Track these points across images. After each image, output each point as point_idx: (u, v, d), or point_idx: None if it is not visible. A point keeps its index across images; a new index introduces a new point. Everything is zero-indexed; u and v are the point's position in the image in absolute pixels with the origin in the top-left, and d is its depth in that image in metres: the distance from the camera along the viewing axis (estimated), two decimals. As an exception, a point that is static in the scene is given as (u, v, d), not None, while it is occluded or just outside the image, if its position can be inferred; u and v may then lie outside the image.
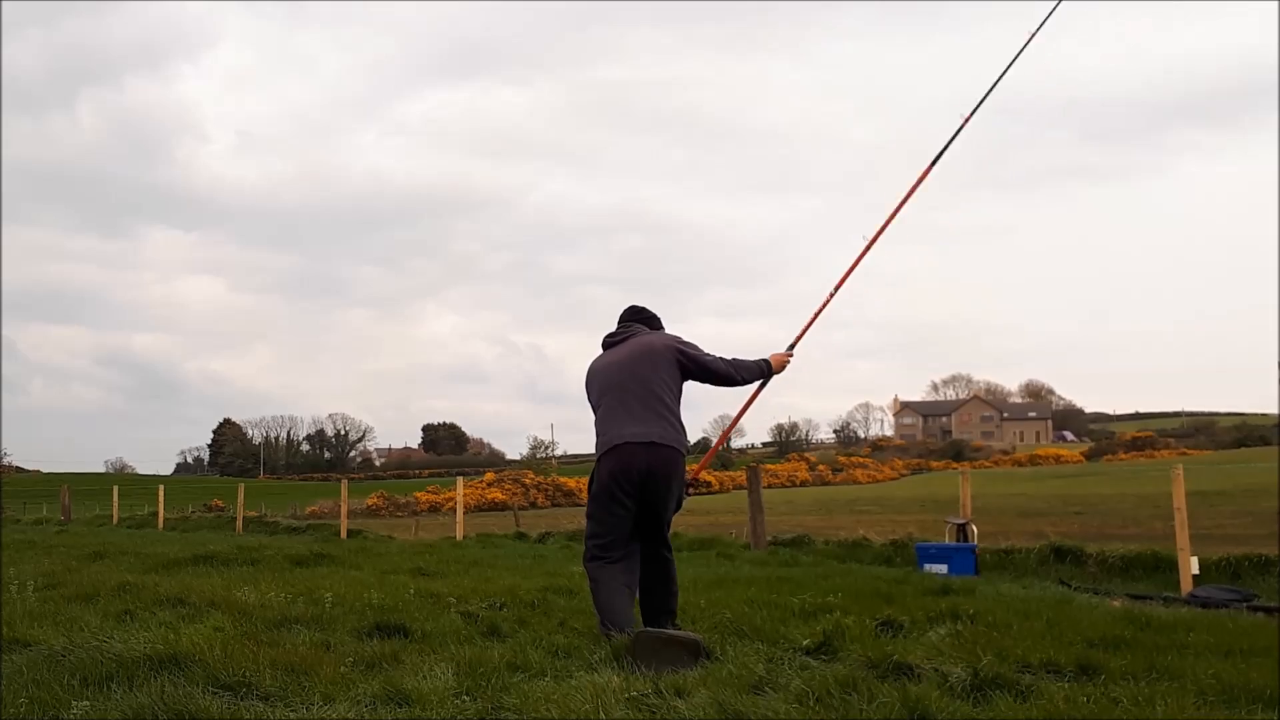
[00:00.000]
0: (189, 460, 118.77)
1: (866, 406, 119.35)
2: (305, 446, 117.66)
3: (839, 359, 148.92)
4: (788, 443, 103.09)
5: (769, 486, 37.64)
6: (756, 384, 5.16)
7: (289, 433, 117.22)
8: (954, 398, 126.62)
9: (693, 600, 5.83)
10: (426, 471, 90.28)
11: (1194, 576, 9.35)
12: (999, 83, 6.05)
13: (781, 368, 5.16)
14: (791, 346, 5.30)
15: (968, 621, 5.13)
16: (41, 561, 9.25)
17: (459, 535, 16.07)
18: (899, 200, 5.80)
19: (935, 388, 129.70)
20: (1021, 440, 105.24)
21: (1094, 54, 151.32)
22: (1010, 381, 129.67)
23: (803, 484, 59.07)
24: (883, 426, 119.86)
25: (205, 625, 4.70)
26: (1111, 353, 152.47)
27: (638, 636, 4.16)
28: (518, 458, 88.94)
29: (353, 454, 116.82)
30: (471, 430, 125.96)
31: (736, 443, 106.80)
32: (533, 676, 3.81)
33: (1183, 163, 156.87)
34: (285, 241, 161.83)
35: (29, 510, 39.60)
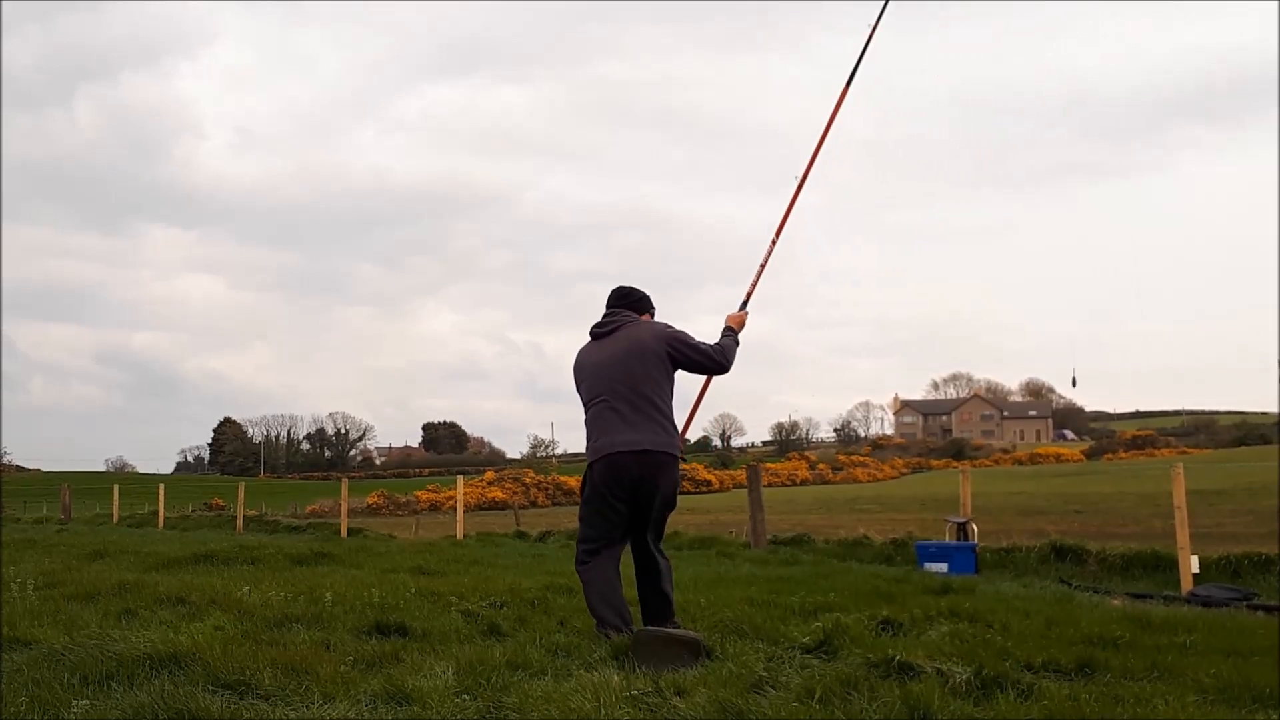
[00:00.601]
0: (189, 459, 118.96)
1: (867, 405, 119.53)
2: (305, 445, 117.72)
3: (839, 357, 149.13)
4: (788, 441, 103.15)
5: (769, 485, 37.60)
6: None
7: (289, 431, 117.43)
8: (954, 396, 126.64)
9: (693, 599, 5.83)
10: (427, 470, 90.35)
11: (1194, 575, 9.35)
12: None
13: (742, 325, 5.06)
14: (744, 304, 5.20)
15: (968, 620, 5.13)
16: (42, 560, 9.25)
17: (459, 534, 16.07)
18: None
19: (935, 386, 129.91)
20: (1022, 439, 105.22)
21: (1094, 53, 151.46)
22: (1010, 380, 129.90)
23: (803, 483, 59.09)
24: (883, 425, 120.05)
25: (206, 624, 4.70)
26: (1112, 351, 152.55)
27: (638, 635, 4.16)
28: (518, 456, 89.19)
29: (353, 453, 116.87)
30: (471, 429, 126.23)
31: (737, 441, 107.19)
32: (533, 675, 3.81)
33: (1182, 161, 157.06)
34: (284, 239, 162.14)
35: (29, 509, 39.61)
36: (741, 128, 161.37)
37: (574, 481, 44.57)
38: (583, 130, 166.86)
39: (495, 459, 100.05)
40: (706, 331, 4.92)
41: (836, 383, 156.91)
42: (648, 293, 5.05)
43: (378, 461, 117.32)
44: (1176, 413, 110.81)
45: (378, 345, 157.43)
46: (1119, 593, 8.50)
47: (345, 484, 21.07)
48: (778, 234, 5.52)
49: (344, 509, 20.22)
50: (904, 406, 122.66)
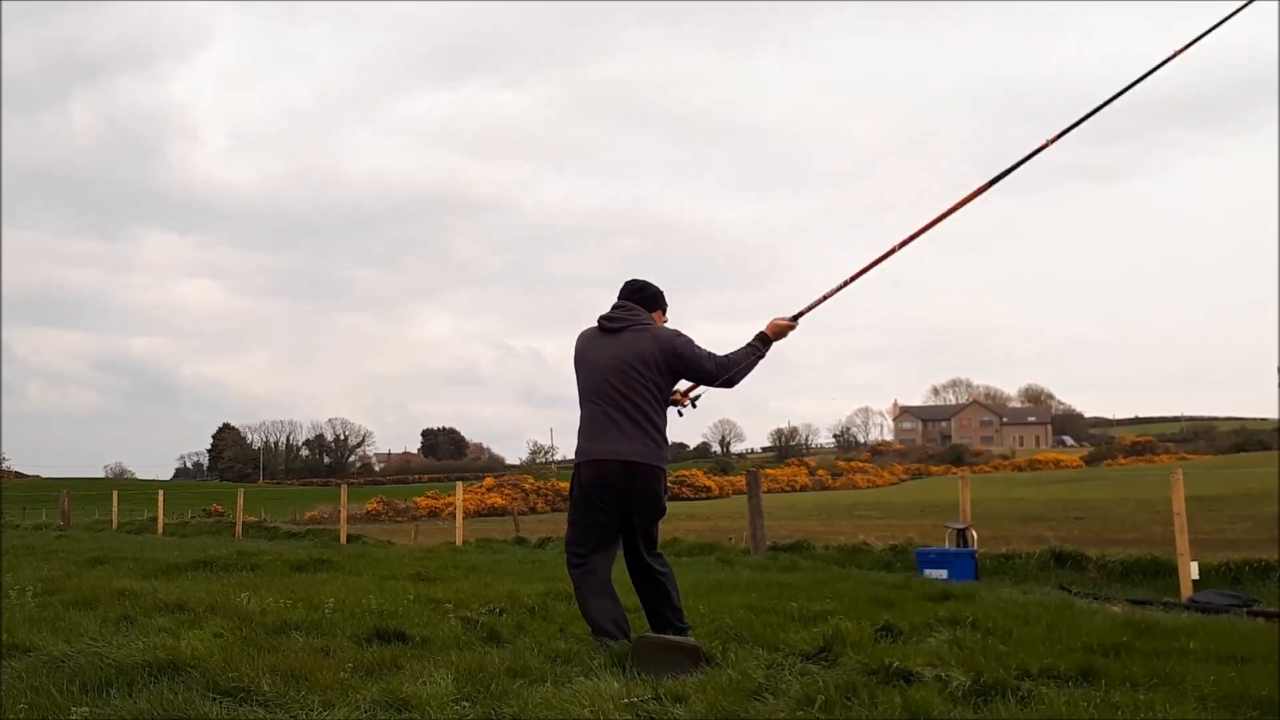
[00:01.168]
0: (188, 465, 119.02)
1: (866, 411, 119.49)
2: (305, 451, 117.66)
3: (839, 363, 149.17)
4: (787, 447, 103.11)
5: (768, 491, 37.58)
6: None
7: (288, 438, 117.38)
8: (954, 402, 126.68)
9: (692, 606, 5.82)
10: (426, 476, 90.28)
11: (1194, 581, 9.35)
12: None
13: (780, 335, 4.84)
14: (797, 316, 4.91)
15: (968, 627, 5.12)
16: (41, 567, 9.24)
17: (459, 540, 16.06)
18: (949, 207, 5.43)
19: (935, 392, 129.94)
20: (1021, 445, 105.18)
21: (1094, 53, 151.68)
22: (1010, 386, 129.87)
23: (802, 489, 59.06)
24: (882, 431, 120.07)
25: (205, 631, 4.69)
26: (1111, 356, 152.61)
27: (637, 642, 4.16)
28: (517, 463, 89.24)
29: (352, 459, 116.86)
30: (470, 434, 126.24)
31: (736, 447, 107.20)
32: (532, 682, 3.80)
33: (1182, 162, 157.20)
34: (281, 244, 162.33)
35: (28, 515, 39.57)
36: (739, 128, 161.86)
37: (573, 487, 44.51)
38: (581, 133, 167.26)
39: (495, 465, 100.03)
40: (704, 333, 4.83)
41: (836, 388, 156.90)
42: (662, 289, 4.96)
43: (377, 468, 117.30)
44: (1176, 419, 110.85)
45: (376, 350, 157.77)
46: (1119, 599, 8.50)
47: (344, 490, 21.08)
48: (864, 271, 5.10)
49: (343, 515, 20.22)
50: (903, 412, 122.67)
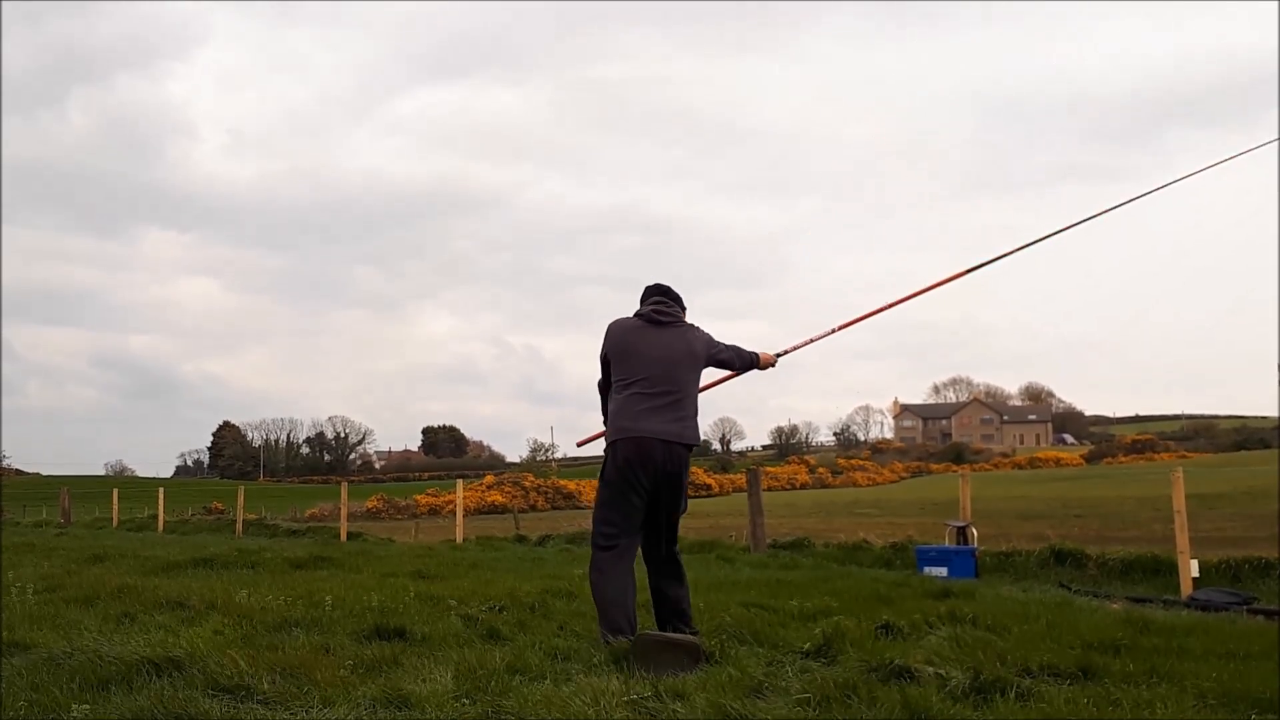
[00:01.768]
0: (189, 463, 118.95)
1: (866, 409, 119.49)
2: (305, 449, 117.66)
3: (839, 361, 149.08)
4: (787, 445, 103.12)
5: (768, 489, 37.64)
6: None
7: (289, 435, 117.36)
8: (954, 400, 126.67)
9: (692, 603, 5.81)
10: (426, 474, 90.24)
11: (1194, 579, 9.36)
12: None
13: (764, 366, 5.35)
14: (782, 353, 5.47)
15: (968, 624, 5.12)
16: (41, 564, 9.25)
17: (459, 538, 16.07)
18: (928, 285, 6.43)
19: (935, 390, 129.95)
20: (1021, 443, 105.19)
21: (1094, 53, 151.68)
22: (1010, 384, 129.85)
23: (802, 487, 59.05)
24: (882, 429, 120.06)
25: (205, 628, 4.70)
26: (1111, 355, 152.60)
27: (638, 640, 4.16)
28: (517, 460, 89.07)
29: (352, 456, 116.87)
30: (470, 432, 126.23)
31: (736, 445, 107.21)
32: (532, 679, 3.81)
33: (1182, 162, 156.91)
34: (280, 242, 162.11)
35: (29, 513, 39.57)
36: (738, 129, 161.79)
37: (574, 485, 44.58)
38: (579, 132, 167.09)
39: (495, 463, 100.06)
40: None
41: (836, 386, 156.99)
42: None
43: (377, 465, 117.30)
44: (1176, 417, 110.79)
45: (375, 348, 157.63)
46: (1119, 597, 8.50)
47: (345, 488, 21.08)
48: (850, 323, 5.91)
49: (343, 513, 20.23)
50: (903, 410, 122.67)
